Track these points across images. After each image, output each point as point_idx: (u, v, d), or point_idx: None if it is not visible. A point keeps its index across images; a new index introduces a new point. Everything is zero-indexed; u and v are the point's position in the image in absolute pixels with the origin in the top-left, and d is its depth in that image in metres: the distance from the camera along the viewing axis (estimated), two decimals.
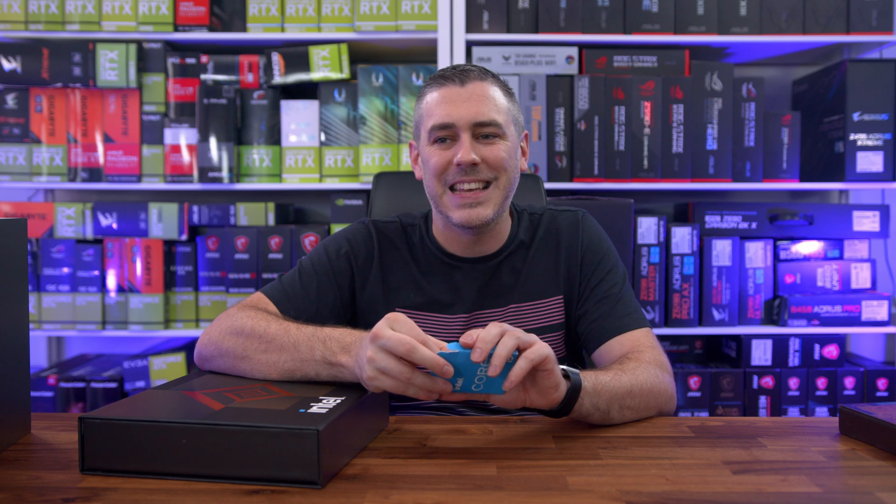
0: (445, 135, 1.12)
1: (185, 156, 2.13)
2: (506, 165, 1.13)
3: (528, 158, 1.25)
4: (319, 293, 1.18)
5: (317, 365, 0.96)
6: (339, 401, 0.87)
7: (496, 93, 1.14)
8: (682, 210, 2.30)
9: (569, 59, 2.16)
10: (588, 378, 0.94)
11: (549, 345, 1.18)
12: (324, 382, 0.97)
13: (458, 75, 1.13)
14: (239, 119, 2.14)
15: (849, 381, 2.16)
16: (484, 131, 1.12)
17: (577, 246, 1.22)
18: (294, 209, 2.38)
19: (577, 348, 1.26)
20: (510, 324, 1.17)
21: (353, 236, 1.23)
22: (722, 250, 2.14)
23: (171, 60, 2.14)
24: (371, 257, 1.21)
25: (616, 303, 1.17)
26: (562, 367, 0.91)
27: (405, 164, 2.13)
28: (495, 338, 0.84)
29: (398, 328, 0.85)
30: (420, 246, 1.23)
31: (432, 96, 1.14)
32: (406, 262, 1.22)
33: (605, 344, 1.15)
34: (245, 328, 1.02)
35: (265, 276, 2.11)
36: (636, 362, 1.05)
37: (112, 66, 2.10)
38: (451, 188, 1.13)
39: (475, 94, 1.12)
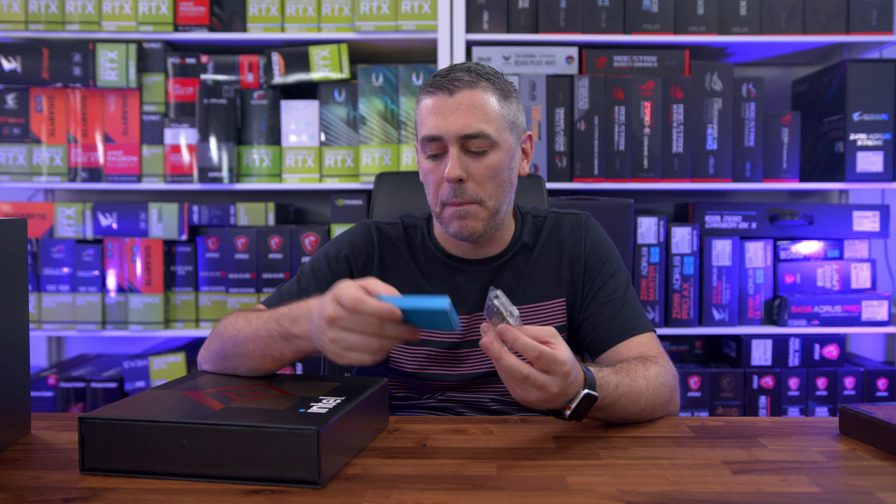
0: (436, 149, 1.11)
1: (185, 156, 2.13)
2: (495, 181, 1.12)
3: (530, 159, 1.24)
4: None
5: (278, 344, 0.97)
6: (339, 401, 0.87)
7: (487, 99, 1.10)
8: (682, 210, 2.30)
9: (569, 59, 2.16)
10: (609, 395, 0.94)
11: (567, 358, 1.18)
12: (325, 379, 0.97)
13: (448, 84, 1.10)
14: (239, 119, 2.14)
15: (849, 381, 2.16)
16: (472, 145, 1.09)
17: (581, 249, 1.21)
18: (294, 209, 2.38)
19: (580, 351, 1.26)
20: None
21: (353, 239, 1.23)
22: (722, 250, 2.14)
23: (171, 60, 2.14)
24: (371, 259, 1.21)
25: (621, 307, 1.17)
26: (588, 391, 0.91)
27: (405, 164, 2.13)
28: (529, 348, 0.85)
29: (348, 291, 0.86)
30: (422, 247, 1.22)
31: (425, 104, 1.13)
32: (407, 263, 1.22)
33: (613, 348, 1.15)
34: (221, 330, 1.05)
35: (265, 276, 2.11)
36: (657, 366, 1.06)
37: (112, 66, 2.10)
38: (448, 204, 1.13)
39: (463, 104, 1.09)
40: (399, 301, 0.84)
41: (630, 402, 0.97)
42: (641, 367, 1.03)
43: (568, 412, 0.90)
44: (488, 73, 1.13)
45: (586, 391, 0.90)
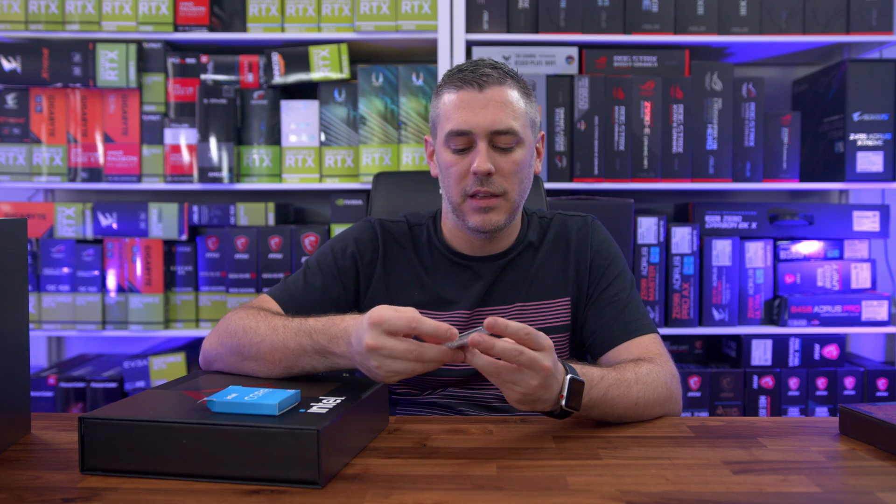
0: (463, 143, 1.12)
1: (185, 156, 2.13)
2: (519, 176, 1.14)
3: (542, 158, 1.25)
4: (324, 291, 1.19)
5: (311, 358, 0.98)
6: (339, 401, 0.87)
7: (514, 97, 1.12)
8: (682, 210, 2.30)
9: (569, 59, 2.16)
10: (596, 386, 0.94)
11: (553, 345, 1.19)
12: (324, 379, 0.97)
13: (477, 80, 1.11)
14: (239, 119, 2.14)
15: (849, 381, 2.16)
16: (501, 141, 1.11)
17: (587, 250, 1.23)
18: (294, 209, 2.38)
19: (583, 352, 1.26)
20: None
21: (359, 235, 1.24)
22: (722, 250, 2.14)
23: (171, 60, 2.14)
24: (376, 256, 1.22)
25: (624, 308, 1.18)
26: (572, 376, 0.91)
27: (405, 164, 2.13)
28: (513, 332, 0.84)
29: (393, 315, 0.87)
30: (427, 245, 1.24)
31: (450, 98, 1.13)
32: (410, 260, 1.23)
33: (614, 349, 1.16)
34: (239, 330, 1.03)
35: (265, 276, 2.11)
36: (649, 363, 1.06)
37: (112, 66, 2.10)
38: (470, 196, 1.14)
39: (493, 100, 1.10)
40: (227, 407, 0.82)
41: (620, 394, 0.97)
42: (631, 363, 1.05)
43: (563, 401, 0.90)
44: (511, 72, 1.16)
45: (570, 376, 0.90)
